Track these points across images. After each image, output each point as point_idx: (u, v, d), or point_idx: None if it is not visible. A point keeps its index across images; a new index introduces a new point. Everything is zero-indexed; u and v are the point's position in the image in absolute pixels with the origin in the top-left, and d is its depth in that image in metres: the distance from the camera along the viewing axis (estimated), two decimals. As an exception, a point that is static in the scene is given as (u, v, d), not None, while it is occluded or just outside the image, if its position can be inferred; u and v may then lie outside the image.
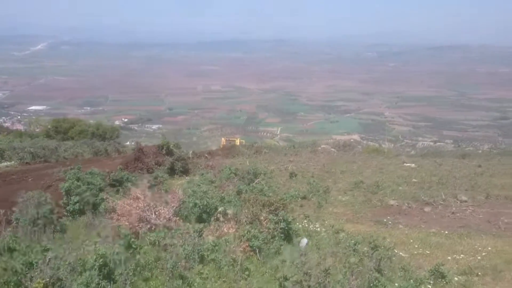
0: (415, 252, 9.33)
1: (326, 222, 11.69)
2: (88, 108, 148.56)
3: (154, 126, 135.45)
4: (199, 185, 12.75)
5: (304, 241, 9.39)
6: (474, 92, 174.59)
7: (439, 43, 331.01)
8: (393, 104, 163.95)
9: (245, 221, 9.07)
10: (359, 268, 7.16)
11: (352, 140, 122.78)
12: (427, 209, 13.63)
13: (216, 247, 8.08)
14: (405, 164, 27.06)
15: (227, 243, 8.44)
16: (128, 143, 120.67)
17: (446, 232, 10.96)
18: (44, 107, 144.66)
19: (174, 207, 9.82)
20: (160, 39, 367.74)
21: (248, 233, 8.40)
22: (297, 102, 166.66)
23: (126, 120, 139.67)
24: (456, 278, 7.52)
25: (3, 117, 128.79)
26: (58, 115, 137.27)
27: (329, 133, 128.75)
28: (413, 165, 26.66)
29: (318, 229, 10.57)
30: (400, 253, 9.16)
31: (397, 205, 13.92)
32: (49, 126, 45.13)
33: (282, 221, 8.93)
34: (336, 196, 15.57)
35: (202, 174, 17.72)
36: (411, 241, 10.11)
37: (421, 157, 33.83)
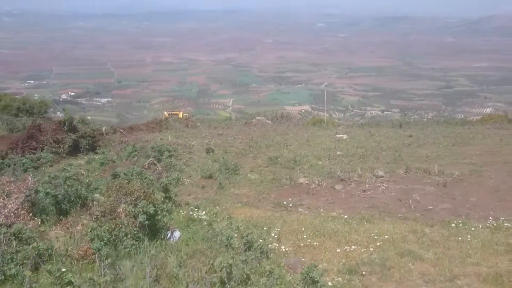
0: (302, 244, 7.96)
1: (217, 207, 10.24)
2: (32, 81, 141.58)
3: (103, 100, 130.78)
4: (68, 169, 10.95)
5: (176, 235, 7.85)
6: (421, 62, 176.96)
7: (388, 14, 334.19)
8: (343, 75, 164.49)
9: (98, 215, 7.40)
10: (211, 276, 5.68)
11: (303, 110, 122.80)
12: (338, 186, 12.37)
13: (48, 251, 6.43)
14: (337, 135, 25.96)
15: (66, 245, 6.80)
16: (76, 117, 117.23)
17: (346, 216, 9.67)
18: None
19: (20, 199, 8.01)
20: (108, 9, 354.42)
21: (92, 230, 6.77)
22: (249, 74, 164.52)
23: (73, 93, 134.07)
24: (330, 283, 6.16)
25: None
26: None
27: (281, 104, 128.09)
28: (345, 136, 25.58)
29: (204, 216, 9.06)
30: (283, 247, 7.76)
31: (307, 184, 12.58)
32: (-28, 101, 41.58)
33: (142, 213, 7.32)
34: (247, 174, 14.14)
35: (103, 152, 15.88)
36: (303, 229, 8.74)
37: (358, 127, 32.89)
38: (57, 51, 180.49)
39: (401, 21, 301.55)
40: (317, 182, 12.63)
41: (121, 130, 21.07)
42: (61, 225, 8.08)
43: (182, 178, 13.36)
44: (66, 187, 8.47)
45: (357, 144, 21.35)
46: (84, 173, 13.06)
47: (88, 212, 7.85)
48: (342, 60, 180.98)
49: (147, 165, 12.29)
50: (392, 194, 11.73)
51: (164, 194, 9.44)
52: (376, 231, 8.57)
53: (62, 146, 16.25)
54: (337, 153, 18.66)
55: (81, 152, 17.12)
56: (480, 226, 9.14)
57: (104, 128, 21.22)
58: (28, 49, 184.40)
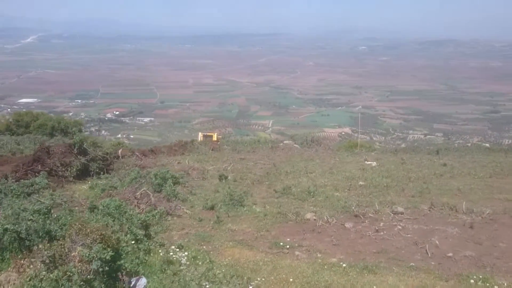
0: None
1: (205, 247, 9.08)
2: (79, 101, 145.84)
3: (146, 119, 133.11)
4: (43, 200, 10.06)
5: (141, 283, 6.76)
6: (465, 86, 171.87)
7: (431, 37, 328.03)
8: (385, 98, 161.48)
9: (45, 259, 6.37)
10: None
11: (343, 132, 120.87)
12: (348, 224, 10.98)
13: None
14: (366, 162, 24.43)
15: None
16: (119, 136, 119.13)
17: (346, 264, 8.30)
18: (35, 99, 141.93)
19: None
20: (153, 32, 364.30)
21: (32, 279, 5.78)
22: (289, 96, 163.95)
23: (117, 113, 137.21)
24: None
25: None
26: (49, 108, 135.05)
27: (320, 126, 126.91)
28: (374, 163, 24.03)
29: (184, 259, 7.94)
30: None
31: (314, 220, 11.26)
32: (10, 120, 42.31)
33: (96, 259, 6.27)
34: (252, 206, 12.93)
35: (107, 177, 15.07)
36: (291, 279, 7.47)
37: (392, 153, 31.08)
38: (103, 72, 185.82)
39: (444, 45, 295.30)
40: (325, 218, 11.29)
41: (137, 153, 20.30)
42: (16, 266, 7.15)
43: (183, 209, 12.35)
44: (29, 222, 7.55)
45: (384, 173, 19.78)
46: (80, 201, 12.25)
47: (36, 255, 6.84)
48: (383, 83, 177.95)
49: (139, 195, 11.33)
50: (408, 235, 10.24)
51: (144, 232, 8.39)
52: (375, 287, 7.19)
53: (69, 169, 15.58)
54: (359, 183, 17.21)
55: (90, 176, 16.40)
56: (506, 283, 7.59)
57: (120, 151, 20.51)
58: (76, 70, 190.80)
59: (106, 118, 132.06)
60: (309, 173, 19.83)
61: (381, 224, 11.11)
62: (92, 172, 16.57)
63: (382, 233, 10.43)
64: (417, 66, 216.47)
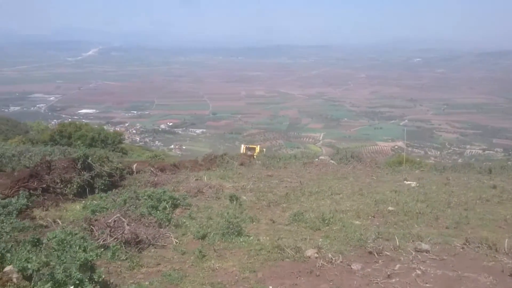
0: None
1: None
2: (135, 112, 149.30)
3: (198, 130, 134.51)
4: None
5: None
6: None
7: (489, 49, 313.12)
8: (441, 111, 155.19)
9: None
10: None
11: (396, 146, 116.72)
12: (356, 266, 8.91)
13: None
14: (405, 182, 21.97)
15: None
16: (172, 146, 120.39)
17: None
18: (94, 110, 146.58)
19: None
20: (206, 44, 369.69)
21: None
22: (341, 108, 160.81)
23: (171, 124, 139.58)
24: None
25: (55, 120, 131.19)
26: (107, 118, 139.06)
27: (373, 140, 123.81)
28: (413, 183, 21.52)
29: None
30: None
31: (316, 257, 9.29)
32: (54, 131, 42.57)
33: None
34: (251, 236, 11.07)
35: (102, 197, 13.66)
36: None
37: (439, 171, 28.20)
38: (158, 84, 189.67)
39: (504, 56, 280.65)
40: (330, 256, 9.28)
41: (152, 169, 18.91)
42: None
43: (171, 238, 10.70)
44: None
45: (422, 196, 17.34)
46: (59, 223, 10.88)
47: None
48: (439, 96, 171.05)
49: (112, 222, 9.77)
50: (427, 286, 8.07)
51: (89, 273, 6.77)
52: None
53: (69, 186, 14.36)
54: (388, 208, 14.93)
55: (95, 193, 15.10)
56: None
57: (135, 166, 19.20)
58: (133, 82, 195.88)
59: (160, 129, 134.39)
60: (336, 194, 17.71)
61: (397, 266, 8.95)
62: (97, 190, 15.28)
63: (394, 279, 8.29)
64: (475, 79, 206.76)
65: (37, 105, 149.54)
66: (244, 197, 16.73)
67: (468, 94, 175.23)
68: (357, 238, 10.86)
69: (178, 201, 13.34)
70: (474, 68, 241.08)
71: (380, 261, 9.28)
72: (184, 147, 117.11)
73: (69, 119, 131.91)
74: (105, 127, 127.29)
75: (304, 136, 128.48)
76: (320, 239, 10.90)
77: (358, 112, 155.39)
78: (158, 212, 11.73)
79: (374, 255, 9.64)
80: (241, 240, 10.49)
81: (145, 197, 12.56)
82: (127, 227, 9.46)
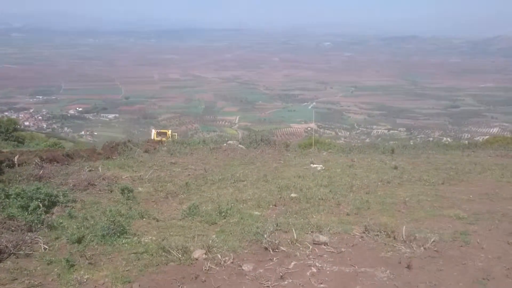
0: None
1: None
2: (40, 97, 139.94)
3: (110, 115, 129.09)
4: None
5: None
6: (426, 82, 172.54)
7: (393, 33, 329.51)
8: (349, 93, 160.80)
9: None
10: None
11: (309, 128, 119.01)
12: (247, 266, 7.96)
13: None
14: (312, 165, 21.61)
15: None
16: (83, 133, 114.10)
17: None
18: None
19: None
20: (116, 27, 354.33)
21: None
22: (256, 91, 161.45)
23: (80, 109, 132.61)
24: None
25: None
26: (9, 104, 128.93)
27: (287, 122, 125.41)
28: (320, 166, 21.22)
29: None
30: None
31: (205, 259, 8.24)
32: None
33: None
34: (136, 236, 9.76)
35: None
36: None
37: (346, 153, 28.27)
38: (66, 67, 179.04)
39: (407, 41, 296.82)
40: (219, 257, 8.27)
41: (36, 161, 16.82)
42: None
43: (40, 243, 9.10)
44: None
45: (326, 180, 16.96)
46: None
47: None
48: (348, 79, 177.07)
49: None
50: (321, 286, 7.31)
51: None
52: None
53: None
54: (291, 195, 14.26)
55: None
56: None
57: (16, 158, 16.99)
58: (37, 65, 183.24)
59: (69, 115, 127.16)
60: (239, 181, 16.80)
61: (292, 264, 8.11)
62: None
63: (287, 281, 7.43)
64: (381, 62, 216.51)
65: None
66: (141, 189, 15.34)
67: (374, 77, 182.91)
68: (254, 232, 9.94)
69: (57, 198, 11.63)
70: (380, 51, 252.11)
71: (275, 258, 8.40)
72: (95, 133, 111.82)
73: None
74: (6, 113, 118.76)
75: (220, 120, 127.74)
76: (214, 235, 9.86)
77: (272, 95, 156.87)
78: (26, 213, 10.04)
79: (270, 251, 8.76)
80: (123, 242, 9.15)
81: (13, 196, 10.73)
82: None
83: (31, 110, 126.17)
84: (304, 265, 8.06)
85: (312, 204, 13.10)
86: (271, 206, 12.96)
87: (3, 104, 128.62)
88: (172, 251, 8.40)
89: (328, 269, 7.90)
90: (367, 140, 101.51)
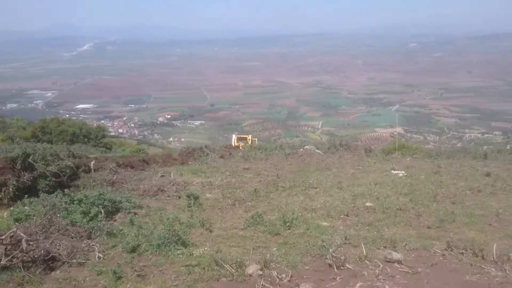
0: None
1: None
2: (133, 105, 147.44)
3: (197, 122, 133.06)
4: None
5: None
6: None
7: (485, 31, 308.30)
8: (438, 96, 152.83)
9: None
10: None
11: (395, 133, 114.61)
12: (306, 286, 7.09)
13: None
14: (393, 171, 20.08)
15: None
16: (171, 139, 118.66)
17: None
18: (91, 105, 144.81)
19: None
20: (201, 36, 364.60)
21: None
22: (339, 96, 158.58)
23: (169, 116, 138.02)
24: None
25: (52, 116, 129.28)
26: (104, 112, 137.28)
27: (371, 126, 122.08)
28: (401, 173, 19.64)
29: None
30: None
31: (260, 275, 7.44)
32: (36, 127, 40.63)
33: None
34: (194, 246, 9.17)
35: (31, 202, 11.74)
36: None
37: (431, 158, 26.20)
38: (155, 77, 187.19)
39: (500, 39, 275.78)
40: (275, 274, 7.44)
41: (111, 166, 17.01)
42: None
43: (95, 252, 8.82)
44: None
45: (407, 188, 15.49)
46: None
47: None
48: (436, 81, 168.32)
49: (8, 239, 7.84)
50: (390, 316, 6.22)
51: None
52: None
53: (4, 189, 12.55)
54: (366, 204, 13.07)
55: (38, 196, 13.22)
56: None
57: (92, 163, 17.32)
58: (129, 76, 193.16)
59: (158, 122, 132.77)
60: (312, 188, 15.82)
61: (358, 285, 7.06)
62: (40, 191, 13.41)
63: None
64: (472, 62, 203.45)
65: (34, 102, 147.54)
66: (209, 195, 14.92)
67: (465, 78, 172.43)
68: (319, 245, 9.00)
69: (120, 204, 11.43)
70: (470, 51, 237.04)
71: (338, 277, 7.41)
72: (183, 139, 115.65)
73: (67, 115, 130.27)
74: (103, 121, 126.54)
75: (302, 125, 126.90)
76: (275, 248, 9.03)
77: (356, 99, 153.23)
78: (85, 220, 9.86)
79: (334, 268, 7.78)
80: (178, 252, 8.61)
81: (76, 202, 10.64)
82: (24, 245, 7.58)
83: (125, 118, 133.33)
84: (371, 287, 6.99)
85: (389, 215, 11.85)
86: (342, 216, 11.89)
87: (100, 112, 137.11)
88: (225, 265, 7.70)
89: (396, 293, 6.77)
90: (459, 145, 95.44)
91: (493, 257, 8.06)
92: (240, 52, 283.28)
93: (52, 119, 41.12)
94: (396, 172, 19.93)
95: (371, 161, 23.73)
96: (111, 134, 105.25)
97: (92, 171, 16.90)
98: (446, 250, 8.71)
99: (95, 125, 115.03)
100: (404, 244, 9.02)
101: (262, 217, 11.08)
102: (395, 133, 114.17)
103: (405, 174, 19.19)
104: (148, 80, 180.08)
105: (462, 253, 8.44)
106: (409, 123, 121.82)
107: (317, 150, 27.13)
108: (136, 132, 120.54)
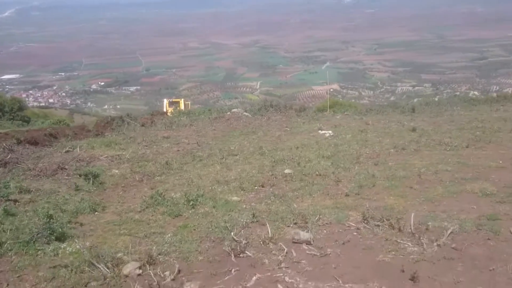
0: None
1: None
2: (63, 73, 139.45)
3: (132, 88, 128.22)
4: None
5: None
6: (452, 34, 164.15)
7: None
8: (372, 51, 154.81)
9: None
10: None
11: (331, 89, 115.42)
12: (192, 285, 5.86)
13: None
14: (320, 131, 19.25)
15: None
16: (106, 107, 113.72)
17: None
18: (17, 75, 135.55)
19: None
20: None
21: None
22: (276, 55, 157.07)
23: (102, 83, 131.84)
24: None
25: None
26: (32, 82, 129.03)
27: (309, 84, 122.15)
28: (328, 132, 18.84)
29: None
30: None
31: (139, 275, 6.10)
32: None
33: None
34: (74, 238, 7.68)
35: None
36: None
37: (362, 115, 25.60)
38: (85, 43, 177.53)
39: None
40: (158, 272, 6.16)
41: (5, 144, 14.90)
42: None
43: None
44: None
45: (331, 149, 14.61)
46: None
47: None
48: (370, 37, 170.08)
49: None
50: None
51: None
52: None
53: None
54: (285, 171, 12.00)
55: None
56: None
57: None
58: (57, 42, 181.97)
59: (92, 90, 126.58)
60: (232, 156, 14.60)
61: (254, 279, 5.91)
62: None
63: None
64: (405, 17, 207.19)
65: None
66: (116, 171, 13.32)
67: (398, 33, 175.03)
68: (222, 227, 7.79)
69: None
70: (403, 6, 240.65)
71: (233, 269, 6.21)
72: (118, 106, 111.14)
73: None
74: (31, 91, 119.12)
75: (241, 86, 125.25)
76: (169, 234, 7.72)
77: (293, 58, 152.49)
78: None
79: (232, 257, 6.59)
80: (49, 249, 7.09)
81: None
82: None
83: (55, 87, 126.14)
84: (270, 281, 5.84)
85: (307, 182, 10.83)
86: (256, 187, 10.74)
87: (27, 82, 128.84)
88: (98, 265, 6.29)
89: (300, 287, 5.67)
90: (392, 98, 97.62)
91: (410, 228, 7.15)
92: (173, 13, 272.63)
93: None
94: (323, 132, 19.14)
95: (300, 122, 22.86)
96: (41, 104, 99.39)
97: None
98: (362, 222, 7.74)
99: (23, 96, 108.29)
100: (317, 218, 7.97)
101: (163, 195, 9.71)
102: (331, 90, 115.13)
103: (332, 134, 18.42)
104: (78, 46, 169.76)
105: (378, 225, 7.49)
106: (344, 79, 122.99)
107: (245, 113, 25.83)
108: (68, 102, 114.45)
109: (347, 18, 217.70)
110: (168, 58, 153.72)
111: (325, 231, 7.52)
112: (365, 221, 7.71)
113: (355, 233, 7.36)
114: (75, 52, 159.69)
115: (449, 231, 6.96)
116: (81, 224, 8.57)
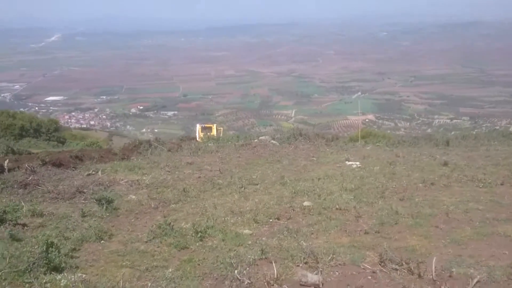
0: None
1: None
2: (104, 97, 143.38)
3: (170, 113, 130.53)
4: None
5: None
6: (491, 68, 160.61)
7: (452, 20, 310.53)
8: (408, 83, 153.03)
9: None
10: None
11: (367, 119, 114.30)
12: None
13: None
14: (347, 162, 18.51)
15: None
16: (144, 130, 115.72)
17: None
18: (61, 97, 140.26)
19: None
20: (168, 27, 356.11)
21: None
22: (311, 84, 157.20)
23: (141, 107, 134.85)
24: None
25: (21, 109, 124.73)
26: (75, 105, 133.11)
27: (344, 114, 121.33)
28: (355, 164, 18.06)
29: None
30: None
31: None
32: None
33: None
34: (73, 270, 7.20)
35: None
36: None
37: (391, 146, 24.70)
38: (125, 68, 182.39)
39: (468, 27, 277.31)
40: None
41: (27, 165, 14.88)
42: None
43: None
44: None
45: (355, 182, 13.86)
46: None
47: None
48: (406, 69, 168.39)
49: None
50: None
51: None
52: None
53: None
54: (304, 203, 11.37)
55: None
56: None
57: (6, 162, 15.12)
58: (99, 67, 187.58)
59: (131, 113, 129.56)
60: (252, 185, 14.07)
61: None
62: None
63: None
64: (440, 50, 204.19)
65: (2, 95, 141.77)
66: (133, 196, 12.98)
67: (434, 65, 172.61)
68: (227, 263, 7.23)
69: (4, 216, 9.41)
70: (439, 39, 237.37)
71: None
72: (156, 130, 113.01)
73: (36, 108, 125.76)
74: (73, 113, 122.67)
75: (276, 114, 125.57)
76: (170, 270, 7.20)
77: (328, 88, 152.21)
78: None
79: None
80: (45, 281, 6.68)
81: None
82: None
83: (96, 110, 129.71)
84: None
85: (325, 217, 10.16)
86: (271, 220, 10.15)
87: (70, 104, 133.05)
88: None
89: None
90: (429, 131, 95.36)
91: (432, 274, 6.41)
92: (206, 42, 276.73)
93: (2, 112, 38.22)
94: (350, 163, 18.39)
95: (328, 152, 22.12)
96: (83, 126, 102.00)
97: (6, 171, 14.71)
98: (378, 264, 7.04)
99: (66, 117, 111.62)
100: (330, 258, 7.31)
101: (172, 226, 9.23)
102: (367, 120, 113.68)
103: (359, 166, 17.65)
104: (118, 71, 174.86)
105: (396, 269, 6.77)
106: (380, 110, 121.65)
107: (272, 141, 25.28)
108: (108, 124, 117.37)
109: (381, 50, 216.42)
110: (204, 85, 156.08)
111: (337, 273, 6.85)
112: (382, 264, 7.00)
113: (369, 277, 6.66)
114: (115, 76, 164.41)
115: (475, 280, 6.19)
116: (86, 253, 8.16)
